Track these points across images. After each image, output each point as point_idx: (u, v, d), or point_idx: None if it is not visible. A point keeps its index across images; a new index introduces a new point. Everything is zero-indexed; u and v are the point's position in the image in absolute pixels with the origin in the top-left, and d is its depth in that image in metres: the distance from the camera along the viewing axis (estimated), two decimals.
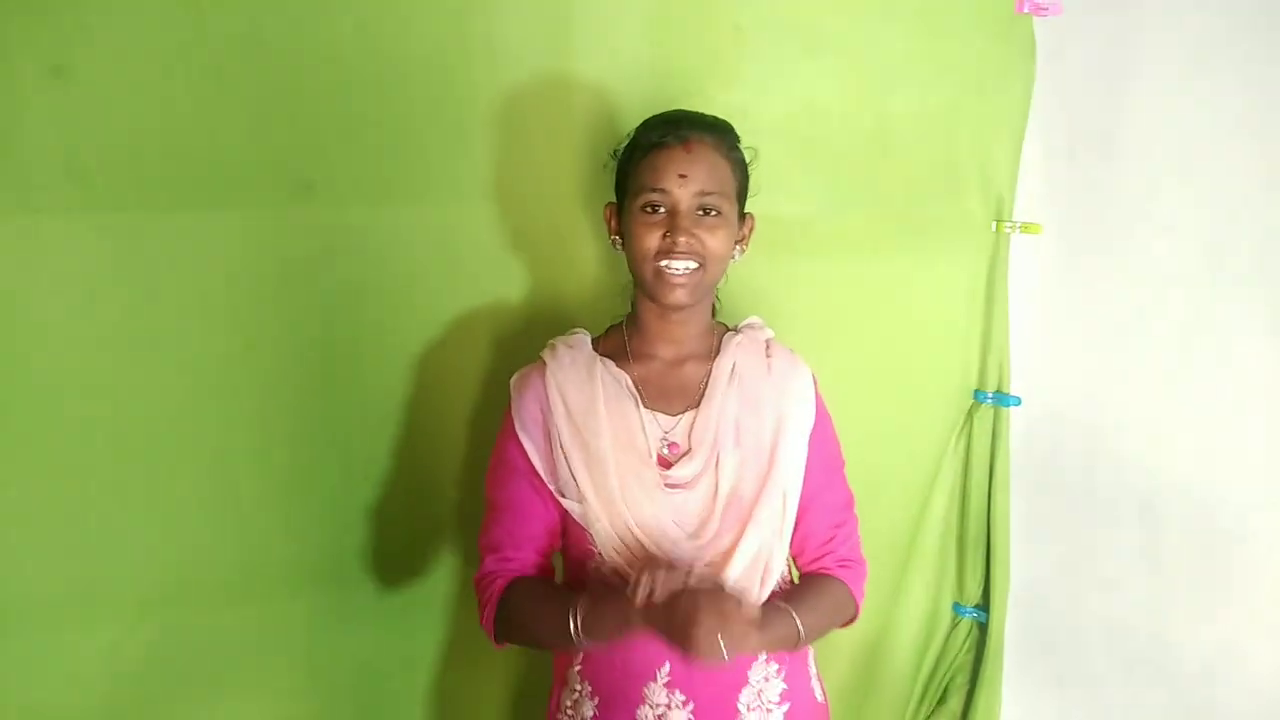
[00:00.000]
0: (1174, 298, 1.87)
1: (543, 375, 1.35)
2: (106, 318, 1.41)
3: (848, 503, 1.43)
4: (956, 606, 2.14)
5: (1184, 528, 1.88)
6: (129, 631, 1.47)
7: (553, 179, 1.62)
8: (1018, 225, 1.99)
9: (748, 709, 1.30)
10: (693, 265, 1.29)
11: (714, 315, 1.42)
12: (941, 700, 2.17)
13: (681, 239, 1.27)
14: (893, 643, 2.09)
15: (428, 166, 1.54)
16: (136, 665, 1.48)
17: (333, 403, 1.56)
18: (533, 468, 1.33)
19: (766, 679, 1.32)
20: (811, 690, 1.39)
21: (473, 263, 1.60)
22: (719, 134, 1.33)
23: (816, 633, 1.33)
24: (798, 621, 1.27)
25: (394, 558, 1.63)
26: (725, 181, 1.32)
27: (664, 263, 1.28)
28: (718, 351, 1.38)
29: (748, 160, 1.37)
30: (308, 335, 1.52)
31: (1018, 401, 2.02)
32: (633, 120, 1.39)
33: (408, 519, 1.63)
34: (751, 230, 1.39)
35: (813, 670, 1.41)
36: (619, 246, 1.37)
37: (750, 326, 1.43)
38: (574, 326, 1.44)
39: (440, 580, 1.67)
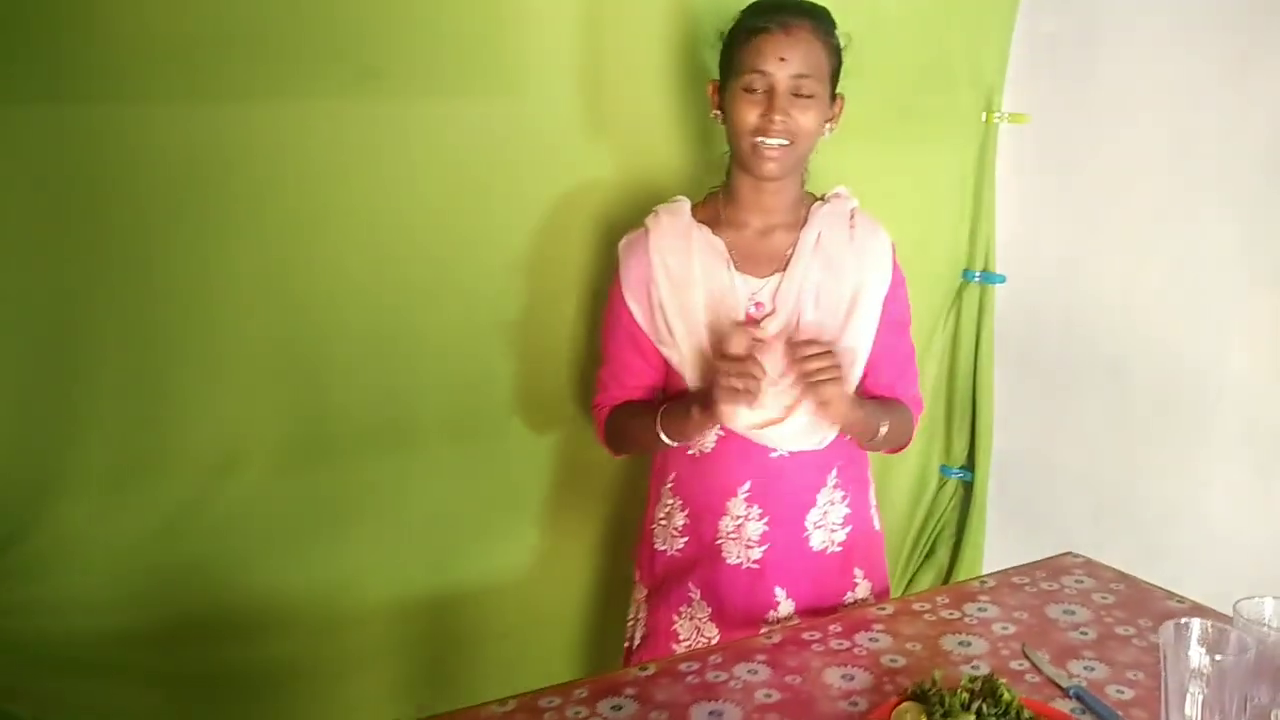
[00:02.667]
0: (1145, 180, 2.04)
1: (646, 241, 1.50)
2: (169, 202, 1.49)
3: (910, 355, 1.61)
4: (944, 468, 2.35)
5: (1150, 388, 2.09)
6: (208, 488, 1.58)
7: (642, 65, 1.75)
8: (1006, 115, 2.15)
9: (814, 526, 1.50)
10: (785, 141, 1.42)
11: (803, 187, 1.55)
12: (930, 553, 2.39)
13: (777, 117, 1.40)
14: (886, 501, 2.28)
15: (517, 54, 1.66)
16: (217, 520, 1.60)
17: (450, 276, 1.69)
18: (637, 325, 1.50)
19: (832, 503, 1.51)
20: (870, 519, 1.59)
21: (563, 149, 1.72)
22: (817, 20, 1.44)
23: (886, 438, 1.50)
24: (880, 417, 1.46)
25: (520, 405, 1.81)
26: (820, 65, 1.43)
27: (760, 138, 1.41)
28: (805, 221, 1.52)
29: (842, 46, 1.49)
30: (431, 212, 1.65)
31: (1002, 279, 2.21)
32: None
33: (530, 374, 1.80)
34: (841, 110, 1.50)
35: (872, 501, 1.60)
36: (720, 121, 1.49)
37: (837, 197, 1.56)
38: (664, 196, 1.57)
39: (555, 419, 1.85)
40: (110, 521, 1.52)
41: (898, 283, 1.56)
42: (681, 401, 1.43)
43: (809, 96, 1.42)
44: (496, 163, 1.68)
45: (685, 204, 1.54)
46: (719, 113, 1.49)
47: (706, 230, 1.50)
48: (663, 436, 1.44)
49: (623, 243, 1.54)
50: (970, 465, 2.33)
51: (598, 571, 1.95)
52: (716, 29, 1.52)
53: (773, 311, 1.47)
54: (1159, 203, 2.02)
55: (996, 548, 2.35)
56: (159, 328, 1.51)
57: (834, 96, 1.50)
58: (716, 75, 1.51)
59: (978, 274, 2.22)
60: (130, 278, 1.48)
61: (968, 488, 2.34)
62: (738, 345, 1.34)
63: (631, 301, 1.49)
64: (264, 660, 1.65)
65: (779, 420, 1.44)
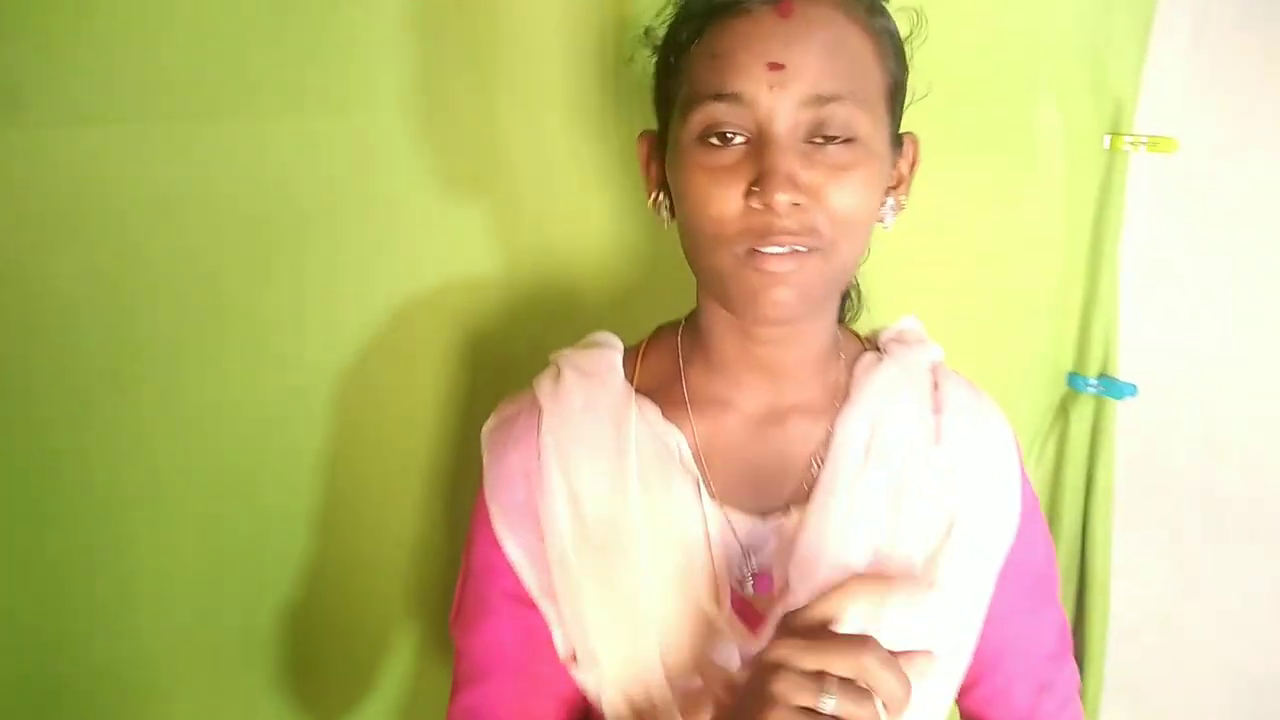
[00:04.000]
0: None
1: (535, 427, 0.78)
2: None
3: (1062, 647, 0.87)
4: None
5: None
6: None
7: (538, 87, 0.99)
8: (1143, 140, 1.39)
9: None
10: (802, 247, 0.70)
11: (836, 323, 0.84)
12: None
13: (779, 196, 0.67)
14: None
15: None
16: None
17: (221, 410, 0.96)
18: (526, 594, 0.77)
19: None
20: None
21: (410, 214, 0.98)
22: None
23: None
24: None
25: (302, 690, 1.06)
26: (863, 72, 0.72)
27: (754, 245, 0.70)
28: (845, 395, 0.80)
29: (903, 34, 0.78)
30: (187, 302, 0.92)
31: (1132, 391, 1.45)
32: None
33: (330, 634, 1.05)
34: (915, 164, 0.80)
35: None
36: (663, 211, 0.79)
37: (901, 341, 0.85)
38: (582, 317, 0.89)
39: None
40: None
41: (1031, 513, 0.83)
42: None
43: (848, 140, 0.71)
44: (302, 245, 0.94)
45: (612, 352, 0.82)
46: (661, 197, 0.78)
47: (654, 412, 0.78)
48: None
49: (491, 425, 0.82)
50: (1078, 649, 1.60)
51: None
52: (643, 25, 0.80)
53: (787, 591, 0.74)
54: None
55: None
56: None
57: (899, 139, 0.78)
58: (651, 120, 0.80)
59: (1092, 381, 1.46)
60: None
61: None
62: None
63: (513, 548, 0.77)
64: None
65: None
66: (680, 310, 0.89)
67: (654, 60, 0.79)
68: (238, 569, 1.00)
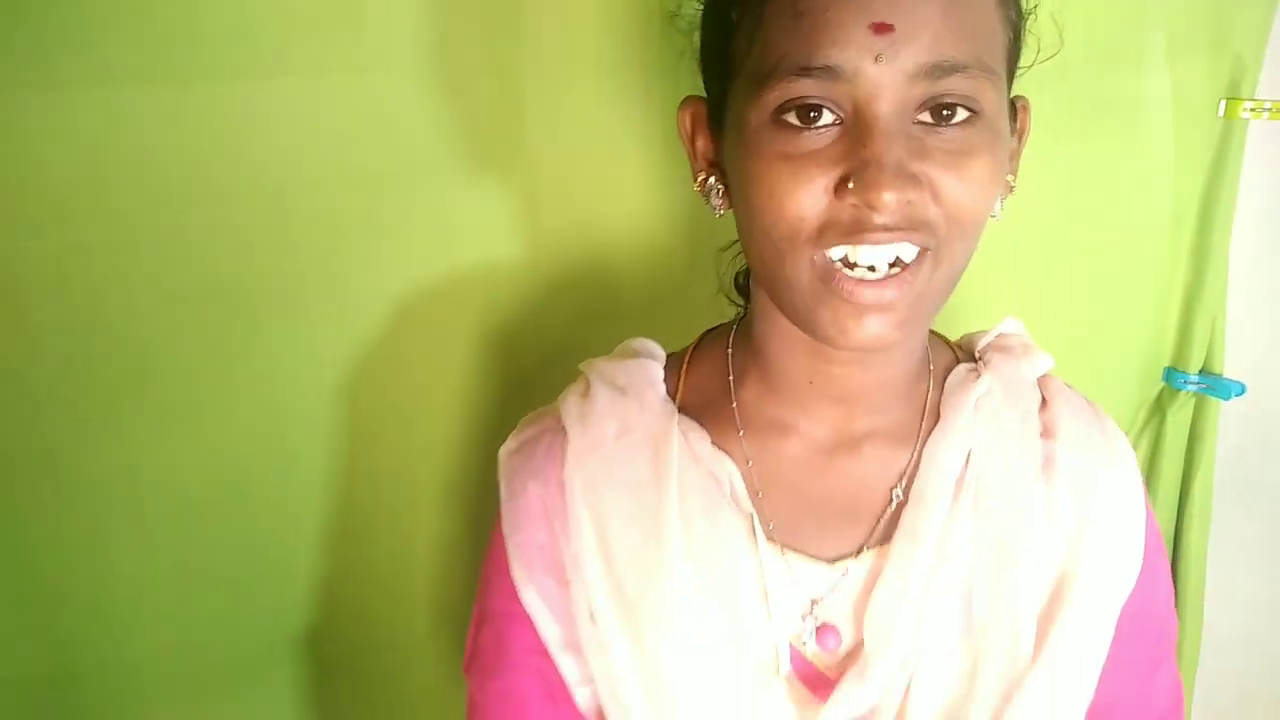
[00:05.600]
0: None
1: (559, 456, 0.67)
2: None
3: (1176, 695, 0.74)
4: None
5: None
6: None
7: (568, 46, 0.86)
8: (1265, 107, 1.22)
9: None
10: (912, 252, 0.57)
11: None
12: None
13: (887, 195, 0.54)
14: None
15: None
16: None
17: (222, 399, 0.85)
18: (543, 648, 0.66)
19: None
20: None
21: (426, 191, 0.85)
22: None
23: None
24: None
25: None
26: (989, 31, 0.58)
27: (841, 251, 0.57)
28: (936, 415, 0.67)
29: None
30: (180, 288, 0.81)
31: (1241, 390, 1.29)
32: None
33: (344, 659, 0.96)
34: (1024, 137, 0.66)
35: None
36: (715, 197, 0.66)
37: (1001, 349, 0.71)
38: (622, 317, 0.79)
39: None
40: None
41: (1155, 557, 0.70)
42: None
43: (966, 120, 0.57)
44: (307, 214, 0.83)
45: (653, 366, 0.70)
46: (716, 184, 0.65)
47: (701, 438, 0.66)
48: None
49: (510, 448, 0.70)
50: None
51: None
52: None
53: (858, 651, 0.63)
54: None
55: None
56: None
57: (1014, 109, 0.64)
58: (699, 86, 0.66)
59: (1194, 377, 1.31)
60: None
61: None
62: None
63: (531, 596, 0.66)
64: None
65: None
66: (730, 306, 0.77)
67: (702, 11, 0.66)
68: (243, 574, 0.91)
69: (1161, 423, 1.33)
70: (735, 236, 0.67)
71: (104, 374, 0.77)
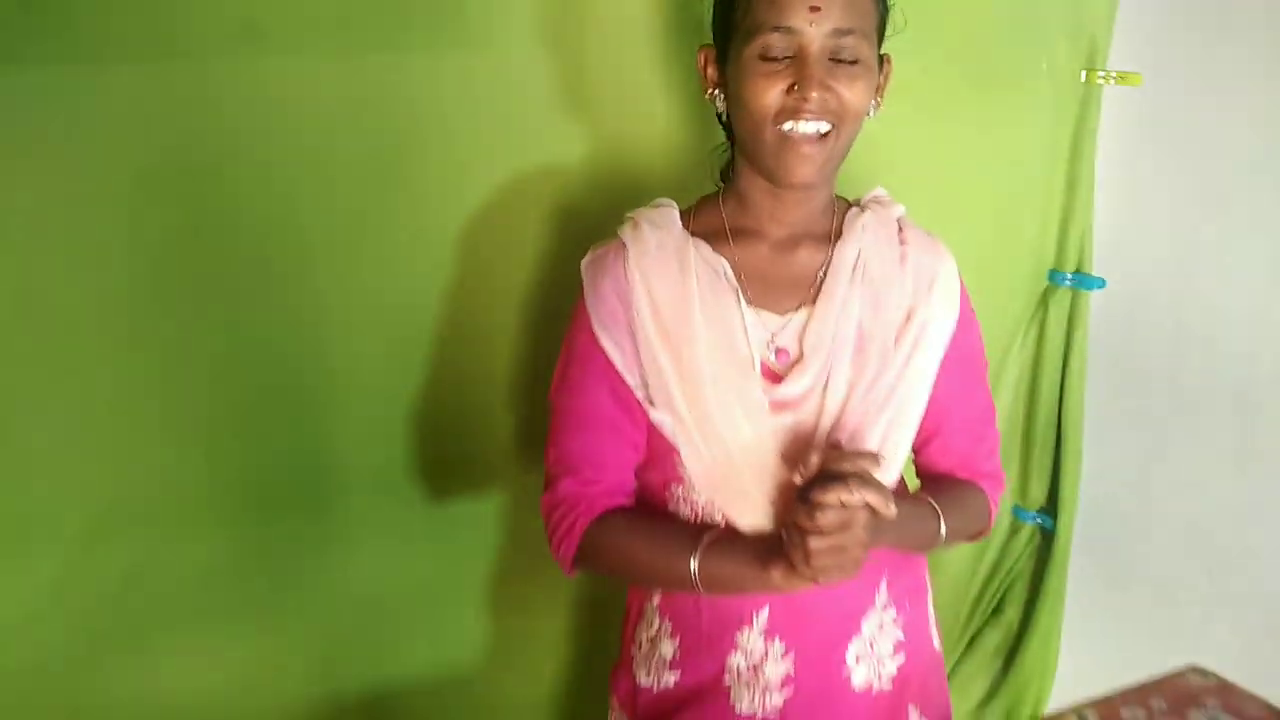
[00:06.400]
0: None
1: (623, 260, 1.09)
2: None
3: (988, 413, 1.20)
4: (1018, 510, 1.93)
5: None
6: (77, 563, 1.25)
7: (614, 16, 1.34)
8: (1113, 75, 1.68)
9: (856, 660, 1.09)
10: (826, 127, 1.01)
11: (834, 188, 1.14)
12: (996, 611, 1.98)
13: (814, 94, 0.99)
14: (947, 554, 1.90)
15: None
16: (89, 600, 1.27)
17: (372, 280, 1.31)
18: (615, 371, 1.08)
19: (881, 627, 1.10)
20: (930, 637, 1.19)
21: (520, 119, 1.33)
22: None
23: (954, 536, 1.12)
24: (941, 519, 1.08)
25: (438, 469, 1.41)
26: (866, 14, 1.02)
27: (789, 125, 1.00)
28: (839, 234, 1.11)
29: None
30: (330, 203, 1.27)
31: (1101, 283, 1.75)
32: None
33: (453, 425, 1.41)
34: (888, 79, 1.10)
35: (931, 615, 1.20)
36: (719, 102, 1.09)
37: (876, 201, 1.15)
38: (645, 194, 1.17)
39: (498, 481, 1.47)
40: None
41: (968, 317, 1.14)
42: (741, 547, 1.01)
43: (854, 62, 1.01)
44: (447, 134, 1.29)
45: (673, 210, 1.13)
46: (716, 91, 1.08)
47: (705, 248, 1.09)
48: (699, 585, 1.01)
49: (589, 259, 1.12)
50: (1051, 509, 1.90)
51: (564, 664, 1.57)
52: None
53: (799, 359, 1.06)
54: None
55: (1080, 608, 1.94)
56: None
57: (881, 59, 1.08)
58: (708, 38, 1.10)
59: (1069, 276, 1.77)
60: None
61: (1047, 535, 1.92)
62: (828, 502, 0.90)
63: (607, 341, 1.09)
64: None
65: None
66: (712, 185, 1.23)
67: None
68: (400, 376, 1.36)
69: (1046, 311, 1.79)
70: (721, 144, 1.13)
71: (311, 266, 1.24)
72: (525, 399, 1.42)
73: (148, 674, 1.30)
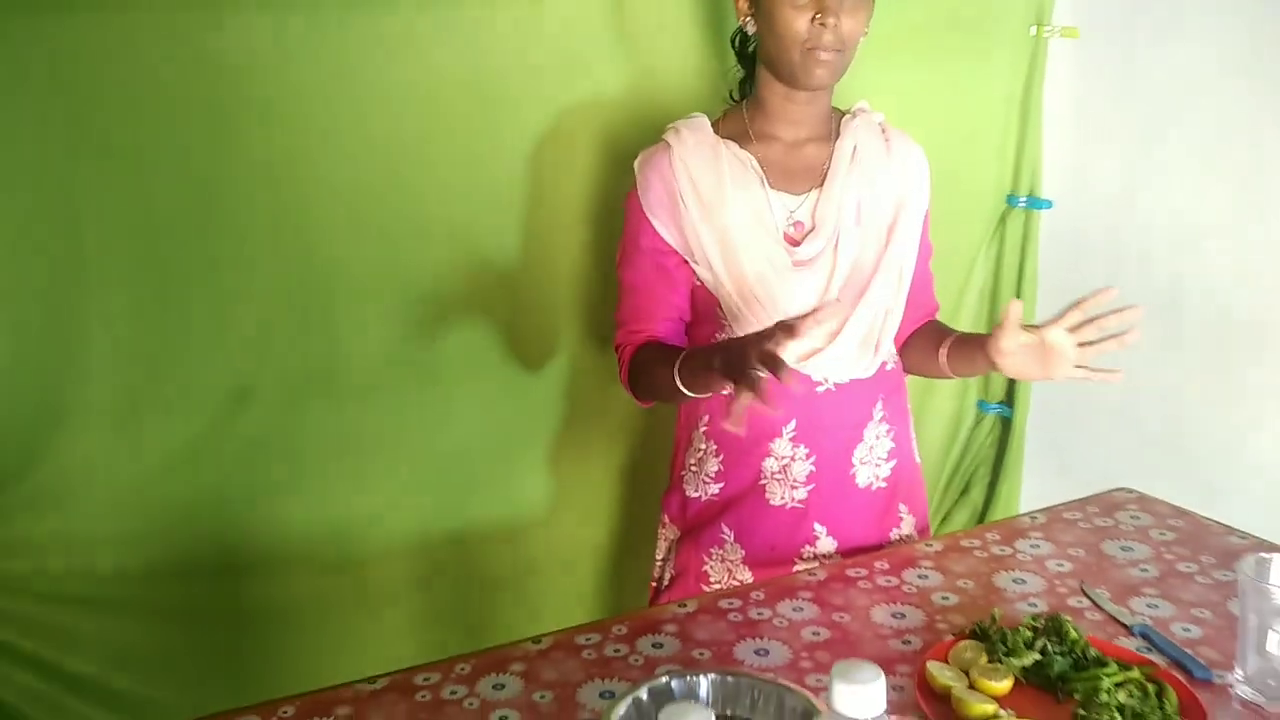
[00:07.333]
0: (1205, 97, 1.92)
1: (669, 156, 1.39)
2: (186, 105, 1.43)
3: (928, 260, 1.52)
4: (981, 403, 2.27)
5: (1203, 321, 1.98)
6: (220, 422, 1.52)
7: None
8: (1057, 29, 2.02)
9: (860, 462, 1.41)
10: (840, 45, 1.32)
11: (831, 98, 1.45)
12: (965, 492, 2.32)
13: (831, 20, 1.29)
14: (921, 438, 2.19)
15: None
16: (229, 455, 1.54)
17: (459, 200, 1.61)
18: (665, 244, 1.38)
19: (878, 437, 1.42)
20: (913, 452, 1.51)
21: (568, 56, 1.63)
22: None
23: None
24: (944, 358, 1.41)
25: (517, 348, 1.72)
26: None
27: (812, 47, 1.31)
28: (837, 134, 1.42)
29: None
30: (405, 138, 1.55)
31: (1049, 205, 2.09)
32: None
33: (531, 306, 1.71)
34: (871, 12, 1.39)
35: (913, 434, 1.52)
36: (751, 27, 1.38)
37: (863, 111, 1.47)
38: (673, 115, 1.46)
39: (565, 359, 1.77)
40: (118, 456, 1.46)
41: (927, 194, 1.48)
42: (704, 354, 1.25)
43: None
44: (508, 75, 1.59)
45: (704, 119, 1.44)
46: (749, 19, 1.38)
47: (734, 145, 1.40)
48: (683, 390, 1.28)
49: (640, 159, 1.42)
50: (1009, 400, 2.24)
51: (620, 510, 1.88)
52: None
53: (813, 229, 1.38)
54: (1221, 123, 1.90)
55: (1033, 486, 2.28)
56: (166, 257, 1.45)
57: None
58: None
59: (1023, 199, 2.11)
60: (136, 205, 1.42)
61: (1005, 423, 2.26)
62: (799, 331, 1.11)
63: (657, 222, 1.39)
64: (279, 597, 1.60)
65: (821, 349, 1.35)
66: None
67: None
68: (486, 277, 1.66)
69: (1005, 228, 2.13)
70: (733, 66, 1.45)
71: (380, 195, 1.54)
72: (583, 289, 1.73)
73: (286, 507, 1.60)
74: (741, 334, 1.36)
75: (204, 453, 1.52)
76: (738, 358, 1.11)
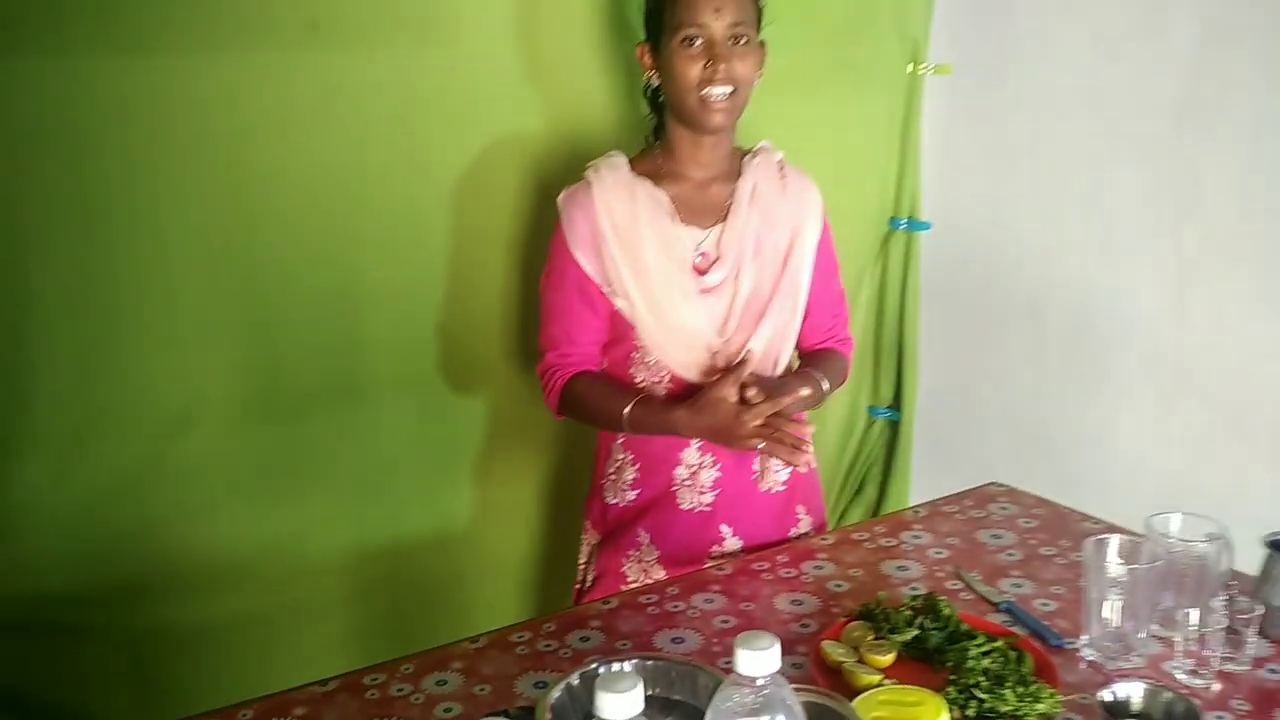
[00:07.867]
0: (1061, 129, 2.14)
1: (590, 194, 1.52)
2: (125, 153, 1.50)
3: (841, 296, 1.69)
4: (871, 409, 2.46)
5: (1064, 326, 2.21)
6: (163, 446, 1.59)
7: (564, 18, 1.78)
8: (931, 66, 2.22)
9: (761, 470, 1.57)
10: (730, 90, 1.46)
11: (734, 140, 1.59)
12: (859, 491, 2.50)
13: (721, 66, 1.43)
14: (818, 442, 2.37)
15: (453, 6, 1.70)
16: (172, 478, 1.61)
17: (391, 230, 1.71)
18: (588, 278, 1.51)
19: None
20: (810, 459, 1.66)
21: (490, 101, 1.75)
22: None
23: (831, 388, 1.58)
24: (822, 383, 1.55)
25: (445, 369, 1.83)
26: (750, 11, 1.48)
27: (706, 91, 1.45)
28: (739, 174, 1.57)
29: None
30: (372, 165, 1.67)
31: (927, 226, 2.30)
32: None
33: (458, 329, 1.82)
34: (765, 56, 1.53)
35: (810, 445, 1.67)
36: (654, 79, 1.53)
37: (764, 150, 1.61)
38: (589, 154, 1.59)
39: (487, 375, 1.89)
40: (64, 482, 1.52)
41: (826, 230, 1.63)
42: (657, 406, 1.48)
43: (746, 42, 1.47)
44: (434, 113, 1.71)
45: (623, 158, 1.57)
46: (653, 72, 1.53)
47: (648, 183, 1.54)
48: (627, 428, 1.49)
49: (564, 196, 1.55)
50: (897, 405, 2.44)
51: (542, 518, 2.01)
52: None
53: (718, 259, 1.53)
54: (1074, 151, 2.13)
55: (923, 483, 2.47)
56: (106, 286, 1.51)
57: (761, 44, 1.54)
58: (641, 36, 1.55)
59: (904, 221, 2.31)
60: (76, 235, 1.48)
61: (894, 426, 2.45)
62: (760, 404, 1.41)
63: (580, 255, 1.52)
64: (222, 614, 1.67)
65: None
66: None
67: (646, 8, 1.55)
68: (416, 300, 1.77)
69: (888, 249, 2.33)
70: (647, 114, 1.59)
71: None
72: (506, 312, 1.85)
73: (225, 526, 1.67)
74: (655, 355, 1.51)
75: (146, 477, 1.59)
76: (726, 432, 1.42)
